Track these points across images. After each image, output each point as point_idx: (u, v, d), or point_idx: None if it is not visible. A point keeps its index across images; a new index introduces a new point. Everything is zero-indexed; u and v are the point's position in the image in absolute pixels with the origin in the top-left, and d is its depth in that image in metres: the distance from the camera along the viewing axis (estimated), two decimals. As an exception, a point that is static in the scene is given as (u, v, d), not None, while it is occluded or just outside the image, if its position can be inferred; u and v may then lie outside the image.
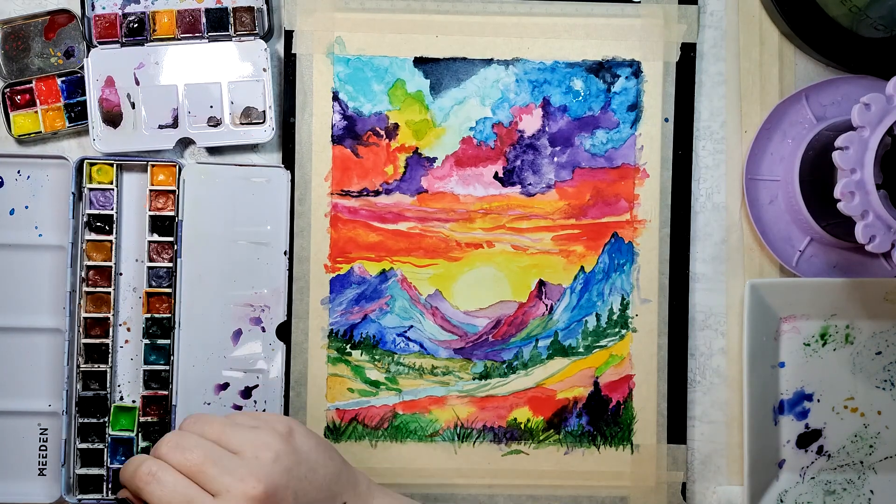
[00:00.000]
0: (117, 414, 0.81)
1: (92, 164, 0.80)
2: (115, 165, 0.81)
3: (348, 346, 0.82)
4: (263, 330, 0.81)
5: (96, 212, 0.81)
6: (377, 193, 0.82)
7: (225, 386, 0.81)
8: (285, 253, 0.81)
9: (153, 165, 0.81)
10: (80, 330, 0.80)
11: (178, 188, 0.81)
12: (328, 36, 0.82)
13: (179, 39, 0.82)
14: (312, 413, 0.82)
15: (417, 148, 0.83)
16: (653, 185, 0.83)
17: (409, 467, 0.83)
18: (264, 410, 0.81)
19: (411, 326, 0.83)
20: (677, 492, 0.83)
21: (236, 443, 0.64)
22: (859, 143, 0.70)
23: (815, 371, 0.85)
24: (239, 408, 0.81)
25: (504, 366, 0.83)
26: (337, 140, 0.82)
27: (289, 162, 0.82)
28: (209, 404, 0.81)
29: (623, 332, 0.83)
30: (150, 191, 0.81)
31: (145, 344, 0.81)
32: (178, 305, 0.81)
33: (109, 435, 0.81)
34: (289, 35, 0.82)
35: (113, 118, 0.81)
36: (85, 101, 0.81)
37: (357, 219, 0.82)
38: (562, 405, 0.84)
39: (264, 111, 0.81)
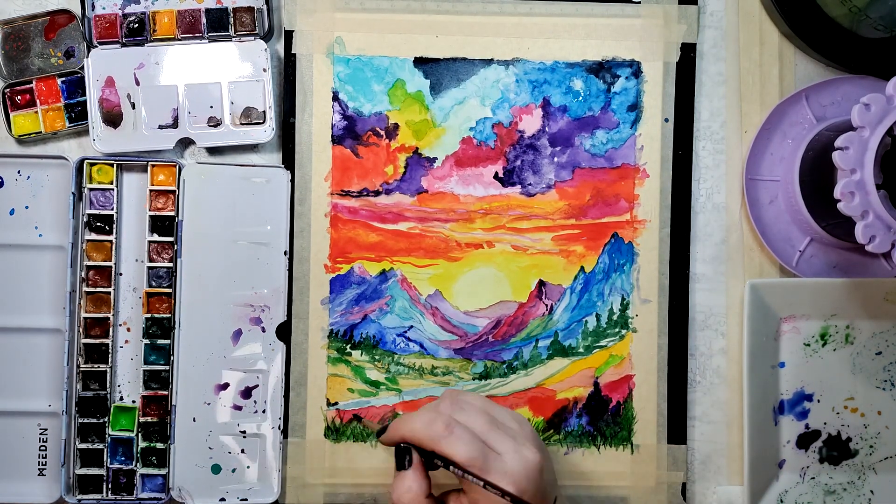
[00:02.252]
0: (117, 414, 0.81)
1: (92, 164, 0.80)
2: (115, 165, 0.81)
3: (348, 347, 0.82)
4: (263, 330, 0.81)
5: (96, 212, 0.81)
6: (377, 193, 0.82)
7: (225, 386, 0.81)
8: (285, 253, 0.81)
9: (153, 165, 0.81)
10: (80, 330, 0.81)
11: (178, 188, 0.81)
12: (328, 36, 0.82)
13: (179, 39, 0.82)
14: (312, 413, 0.82)
15: (417, 148, 0.83)
16: (653, 185, 0.83)
17: (409, 467, 0.83)
18: (264, 412, 0.81)
19: (411, 327, 0.83)
20: (677, 492, 0.83)
21: (503, 419, 0.71)
22: (859, 144, 0.70)
23: (815, 371, 0.85)
24: (239, 408, 0.81)
25: (504, 366, 0.83)
26: (337, 140, 0.82)
27: (289, 162, 0.82)
28: (209, 404, 0.81)
29: (623, 332, 0.83)
30: (150, 191, 0.81)
31: (145, 344, 0.81)
32: (178, 305, 0.81)
33: (109, 435, 0.81)
34: (289, 35, 0.82)
35: (113, 118, 0.81)
36: (85, 102, 0.81)
37: (357, 219, 0.82)
38: (562, 405, 0.84)
39: (264, 111, 0.81)
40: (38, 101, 0.81)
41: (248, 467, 0.81)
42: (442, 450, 0.67)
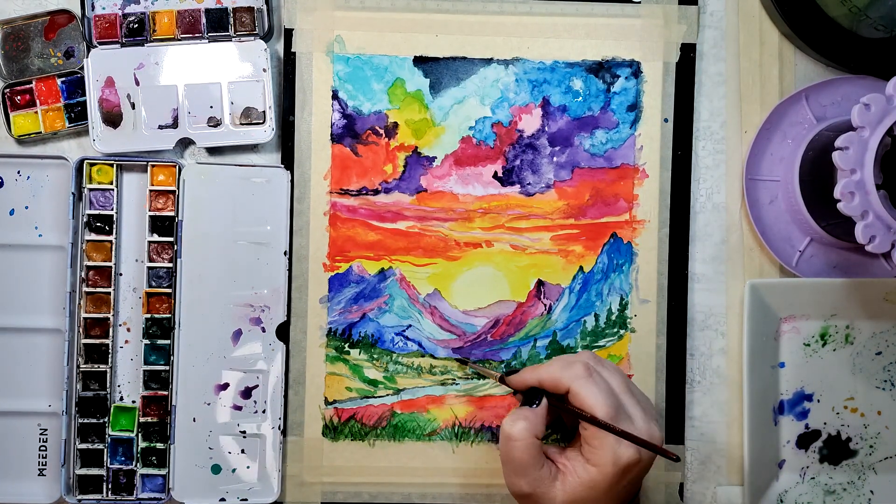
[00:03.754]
0: (117, 414, 0.81)
1: (92, 165, 0.81)
2: (114, 166, 0.81)
3: (347, 345, 0.82)
4: (263, 330, 0.81)
5: (96, 212, 0.81)
6: (376, 192, 0.82)
7: (225, 386, 0.81)
8: (285, 253, 0.81)
9: (153, 165, 0.81)
10: (80, 330, 0.81)
11: (178, 188, 0.81)
12: (328, 34, 0.82)
13: (179, 40, 0.82)
14: (310, 411, 0.82)
15: (417, 147, 0.82)
16: (652, 185, 0.83)
17: (406, 466, 0.83)
18: (264, 412, 0.81)
19: (410, 325, 0.83)
20: (675, 492, 0.83)
21: (636, 390, 0.73)
22: (859, 144, 0.70)
23: (815, 371, 0.85)
24: (239, 408, 0.81)
25: (503, 365, 0.83)
26: (336, 139, 0.82)
27: (288, 160, 0.82)
28: (209, 404, 0.81)
29: (621, 332, 0.83)
30: (150, 191, 0.81)
31: (145, 344, 0.81)
32: (178, 305, 0.81)
33: (109, 435, 0.81)
34: (288, 33, 0.82)
35: (113, 119, 0.81)
36: (85, 102, 0.81)
37: (356, 218, 0.82)
38: (560, 405, 0.84)
39: (264, 111, 0.81)
40: (37, 102, 0.81)
41: (248, 467, 0.81)
42: (578, 390, 0.69)
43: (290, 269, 0.82)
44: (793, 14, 0.82)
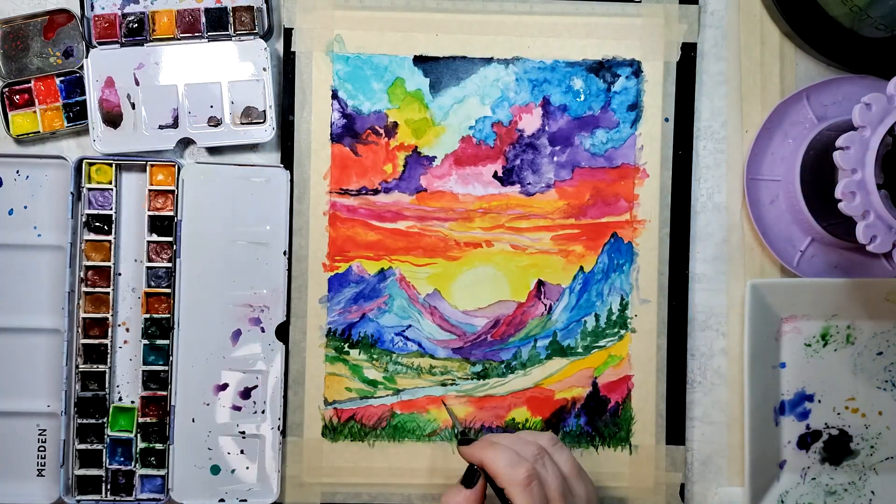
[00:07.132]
0: (116, 414, 0.81)
1: (91, 164, 0.80)
2: (114, 165, 0.81)
3: (346, 345, 0.82)
4: (263, 330, 0.81)
5: (95, 212, 0.81)
6: (376, 192, 0.82)
7: (224, 386, 0.81)
8: (285, 253, 0.81)
9: (152, 165, 0.81)
10: (79, 330, 0.80)
11: (178, 188, 0.81)
12: (327, 34, 0.82)
13: (179, 39, 0.81)
14: (310, 412, 0.82)
15: (417, 147, 0.82)
16: (653, 184, 0.83)
17: (406, 467, 0.82)
18: (263, 412, 0.81)
19: (409, 326, 0.83)
20: (676, 493, 0.83)
21: (577, 492, 0.72)
22: (860, 143, 0.69)
23: (816, 371, 0.84)
24: (238, 409, 0.81)
25: (502, 366, 0.83)
26: (336, 138, 0.82)
27: (287, 160, 0.82)
28: (208, 405, 0.81)
29: (622, 332, 0.83)
30: (149, 191, 0.81)
31: (144, 344, 0.81)
32: (177, 306, 0.81)
33: (108, 436, 0.81)
34: (288, 33, 0.82)
35: (113, 119, 0.81)
36: (83, 101, 0.81)
37: (356, 217, 0.82)
38: (560, 405, 0.83)
39: (264, 111, 0.81)
40: (36, 101, 0.81)
41: (247, 468, 0.81)
42: (512, 496, 0.69)
43: (289, 269, 0.82)
44: (794, 13, 0.82)
